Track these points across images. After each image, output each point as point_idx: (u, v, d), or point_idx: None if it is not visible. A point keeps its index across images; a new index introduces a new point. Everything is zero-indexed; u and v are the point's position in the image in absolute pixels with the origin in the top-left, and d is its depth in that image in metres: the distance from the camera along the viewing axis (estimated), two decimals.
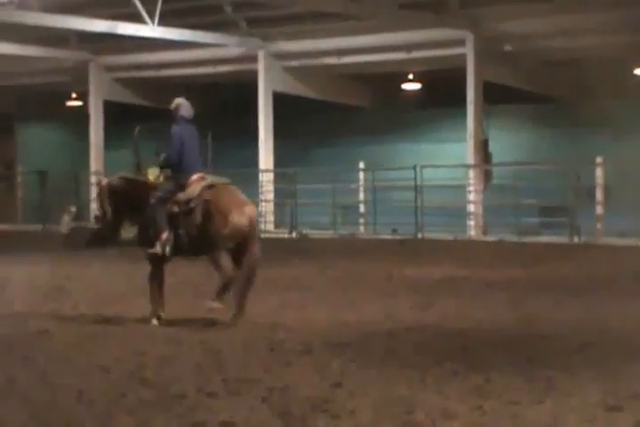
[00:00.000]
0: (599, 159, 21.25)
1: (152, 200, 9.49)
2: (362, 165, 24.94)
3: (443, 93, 24.93)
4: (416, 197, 22.17)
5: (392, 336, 8.80)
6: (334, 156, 25.98)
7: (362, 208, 24.64)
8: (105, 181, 10.10)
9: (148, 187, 9.76)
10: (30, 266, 16.44)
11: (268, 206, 25.22)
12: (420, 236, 21.56)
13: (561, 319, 9.84)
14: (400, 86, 26.88)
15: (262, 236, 23.60)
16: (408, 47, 23.48)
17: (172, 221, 9.42)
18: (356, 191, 24.92)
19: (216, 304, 9.26)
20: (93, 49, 27.51)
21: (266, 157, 25.21)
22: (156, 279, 9.81)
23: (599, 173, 21.31)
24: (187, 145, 9.66)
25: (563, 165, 20.81)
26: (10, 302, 11.24)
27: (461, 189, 22.76)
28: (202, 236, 9.33)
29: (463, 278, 13.91)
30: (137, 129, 25.10)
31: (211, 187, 9.53)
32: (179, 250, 9.55)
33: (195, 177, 9.55)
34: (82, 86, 28.44)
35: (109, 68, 28.09)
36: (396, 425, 5.62)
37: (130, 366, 7.40)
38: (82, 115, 28.68)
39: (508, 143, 24.01)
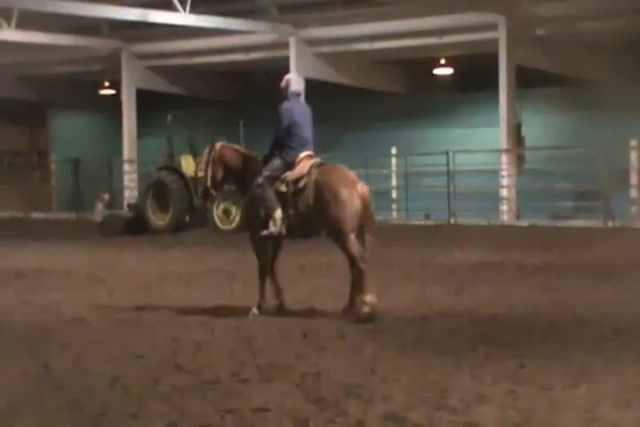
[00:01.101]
0: (633, 142, 21.03)
1: (259, 179, 9.10)
2: (394, 150, 24.87)
3: (475, 78, 24.79)
4: (448, 183, 22.09)
5: (425, 321, 8.77)
6: (366, 141, 25.93)
7: (394, 194, 24.59)
8: (219, 143, 9.68)
9: (258, 164, 9.37)
10: (65, 254, 16.57)
11: None
12: (452, 221, 21.49)
13: (596, 303, 9.76)
14: (432, 71, 26.74)
15: None
16: (440, 32, 23.33)
17: (280, 200, 9.04)
18: (389, 177, 24.86)
19: (370, 298, 8.79)
20: (125, 37, 27.58)
21: None
22: (264, 266, 9.31)
23: (634, 156, 21.10)
24: (297, 121, 9.28)
25: (596, 149, 20.63)
26: (45, 290, 11.33)
27: (494, 173, 22.62)
28: (314, 218, 8.97)
29: (497, 263, 13.84)
30: (169, 117, 25.23)
31: (320, 166, 9.18)
32: (287, 231, 9.13)
33: (303, 155, 9.20)
34: (114, 75, 28.56)
35: (141, 56, 28.18)
36: (429, 410, 5.60)
37: (164, 352, 7.43)
38: (115, 103, 28.82)
39: (541, 127, 23.81)
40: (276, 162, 9.21)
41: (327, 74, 25.84)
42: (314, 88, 25.50)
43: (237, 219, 20.91)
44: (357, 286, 8.90)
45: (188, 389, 6.19)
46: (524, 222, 20.89)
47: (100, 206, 23.11)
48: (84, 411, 5.68)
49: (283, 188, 9.08)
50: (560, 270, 12.86)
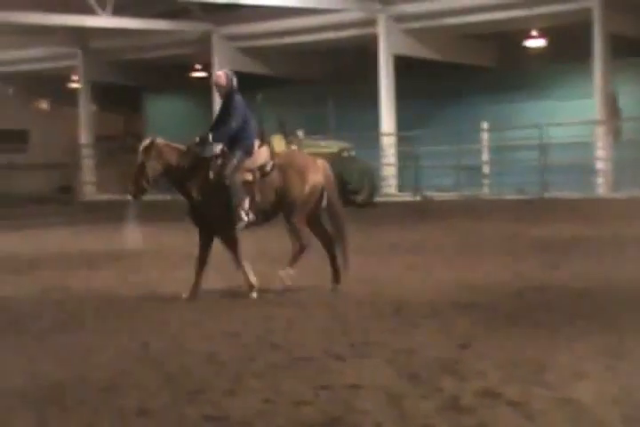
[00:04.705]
0: None
1: (228, 170, 9.09)
2: (485, 125, 24.59)
3: (568, 49, 24.32)
4: (541, 156, 21.76)
5: (520, 296, 8.67)
6: (457, 116, 25.70)
7: (486, 169, 24.35)
8: (159, 140, 9.33)
9: (197, 160, 9.25)
10: (162, 235, 16.81)
11: (390, 170, 25.16)
12: (545, 195, 21.18)
13: None
14: (523, 44, 26.31)
15: (385, 199, 23.68)
16: (531, 3, 22.94)
17: (245, 189, 9.14)
18: (480, 152, 24.62)
19: (290, 271, 9.19)
20: (215, 20, 27.81)
21: (387, 120, 25.10)
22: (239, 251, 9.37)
23: None
24: (247, 113, 9.42)
25: None
26: (144, 270, 11.53)
27: (588, 146, 22.22)
28: (279, 200, 9.21)
29: (592, 237, 13.59)
30: (259, 97, 25.41)
31: (278, 151, 9.50)
32: (255, 218, 9.28)
33: (257, 143, 9.39)
34: (205, 57, 28.84)
35: (231, 38, 28.38)
36: (525, 386, 5.53)
37: (258, 330, 7.49)
38: (206, 85, 29.10)
39: (639, 97, 23.26)
40: (238, 153, 9.21)
41: (416, 50, 25.66)
42: (403, 64, 25.37)
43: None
44: (293, 258, 9.27)
45: (283, 366, 6.24)
46: (620, 195, 20.47)
47: None
48: (182, 388, 5.78)
49: (249, 176, 9.16)
50: None
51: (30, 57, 32.78)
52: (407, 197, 23.56)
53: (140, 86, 33.67)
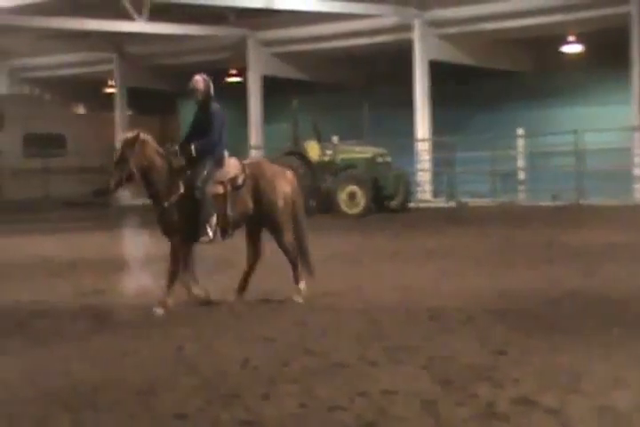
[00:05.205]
0: None
1: (199, 183, 8.82)
2: (520, 131, 24.49)
3: (605, 54, 24.17)
4: (577, 162, 21.63)
5: (555, 303, 8.62)
6: (492, 122, 25.61)
7: (521, 175, 24.25)
8: (146, 135, 8.94)
9: (174, 166, 8.97)
10: None
11: (425, 176, 25.12)
12: (581, 202, 21.04)
13: None
14: (560, 49, 26.18)
15: (420, 205, 23.65)
16: (568, 8, 22.83)
17: (216, 202, 8.88)
18: (515, 158, 24.53)
19: (302, 286, 9.11)
20: (251, 25, 27.92)
21: (422, 126, 25.06)
22: (179, 271, 9.09)
23: None
24: (224, 121, 9.23)
25: None
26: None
27: (625, 152, 22.05)
28: (253, 213, 9.00)
29: (628, 244, 13.48)
30: (294, 102, 25.43)
31: (247, 162, 9.27)
32: (224, 233, 9.07)
33: (227, 154, 9.14)
34: (240, 62, 28.96)
35: (267, 43, 28.47)
36: (562, 393, 5.49)
37: (292, 335, 7.50)
38: (241, 90, 29.22)
39: None
40: (209, 164, 8.94)
41: (452, 55, 25.62)
42: (438, 70, 25.32)
43: (363, 202, 20.97)
44: (295, 274, 9.16)
45: (317, 371, 6.25)
46: None
47: None
48: (216, 392, 5.80)
49: (220, 189, 8.94)
50: None
51: (67, 62, 33.12)
52: (442, 202, 23.49)
53: (175, 91, 33.83)
